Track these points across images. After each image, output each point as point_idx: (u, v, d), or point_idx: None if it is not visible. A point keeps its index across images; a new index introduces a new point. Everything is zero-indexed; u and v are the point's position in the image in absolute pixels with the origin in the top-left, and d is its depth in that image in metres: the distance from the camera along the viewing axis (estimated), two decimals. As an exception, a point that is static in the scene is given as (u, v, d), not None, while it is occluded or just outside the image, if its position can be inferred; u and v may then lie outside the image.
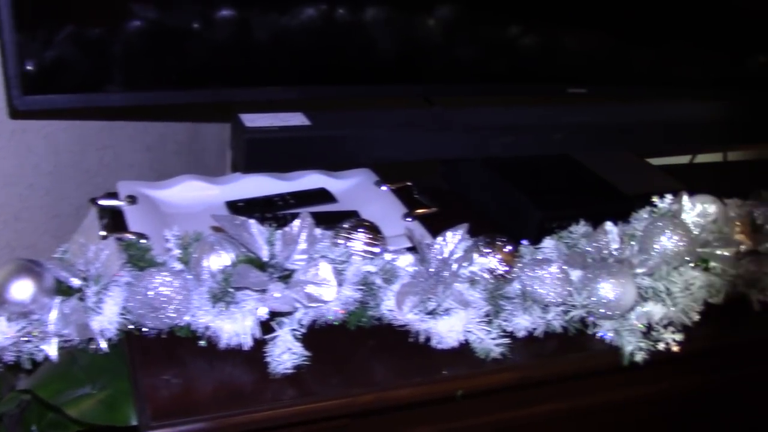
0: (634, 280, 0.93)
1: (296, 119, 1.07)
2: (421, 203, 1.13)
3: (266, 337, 0.81)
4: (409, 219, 1.08)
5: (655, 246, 0.96)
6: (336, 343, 0.86)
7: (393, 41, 1.08)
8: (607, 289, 0.89)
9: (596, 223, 0.99)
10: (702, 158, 1.56)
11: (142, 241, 0.88)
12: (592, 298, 0.90)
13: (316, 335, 0.84)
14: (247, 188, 1.11)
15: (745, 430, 1.26)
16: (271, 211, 1.06)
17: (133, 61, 0.95)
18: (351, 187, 1.17)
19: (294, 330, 0.82)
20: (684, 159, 1.55)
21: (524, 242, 0.97)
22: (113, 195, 1.04)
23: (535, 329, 0.91)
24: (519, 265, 0.90)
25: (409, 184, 1.17)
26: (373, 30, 1.05)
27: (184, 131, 1.33)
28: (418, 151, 1.13)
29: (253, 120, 1.04)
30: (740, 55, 1.33)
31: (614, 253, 0.96)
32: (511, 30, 1.15)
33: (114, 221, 1.01)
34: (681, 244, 0.96)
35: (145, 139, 1.26)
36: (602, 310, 0.90)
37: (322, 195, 1.13)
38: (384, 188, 1.16)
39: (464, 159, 1.21)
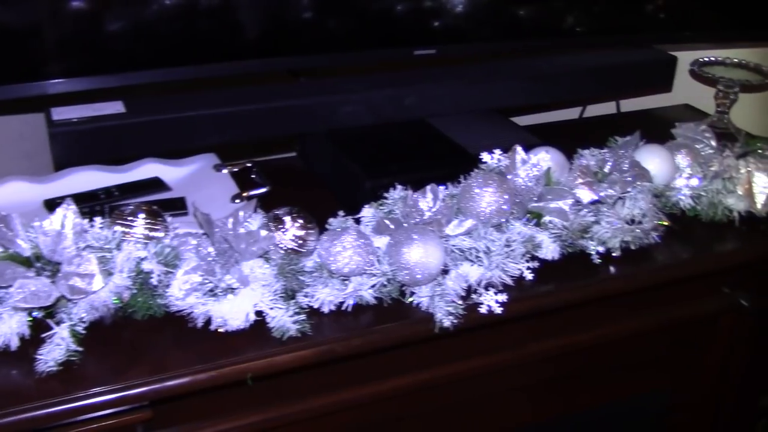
0: (445, 242, 0.88)
1: (112, 108, 1.03)
2: (255, 184, 1.08)
3: (44, 335, 0.78)
4: (237, 201, 1.03)
5: (471, 204, 0.91)
6: (124, 335, 0.82)
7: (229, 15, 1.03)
8: (412, 253, 0.84)
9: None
10: (597, 110, 1.50)
11: None
12: (397, 265, 0.85)
13: (103, 329, 0.80)
14: (75, 184, 1.07)
15: (593, 398, 1.20)
16: (95, 205, 1.02)
17: None
18: (189, 174, 1.12)
19: (73, 325, 0.78)
20: (575, 113, 1.49)
21: (341, 213, 0.92)
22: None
23: (342, 303, 0.86)
24: (312, 238, 0.85)
25: (248, 165, 1.12)
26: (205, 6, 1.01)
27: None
28: (252, 129, 1.09)
29: (62, 113, 1.00)
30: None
31: (429, 215, 0.90)
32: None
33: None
34: (499, 200, 0.90)
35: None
36: (407, 276, 0.85)
37: (154, 184, 1.08)
38: (225, 171, 1.12)
39: (310, 132, 1.16)
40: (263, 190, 1.06)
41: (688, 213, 1.07)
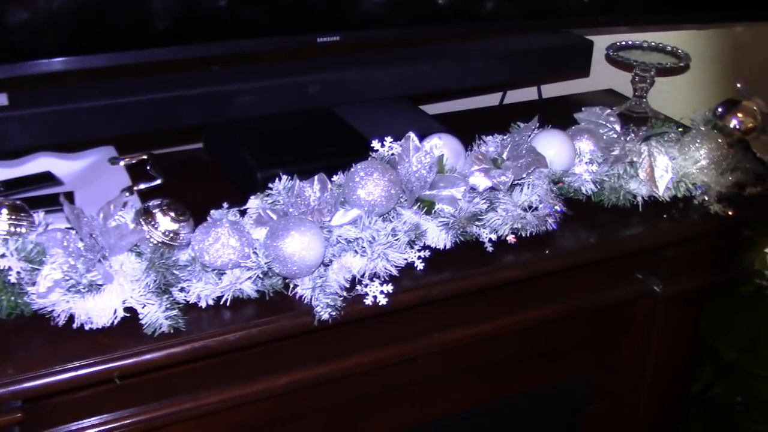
0: (328, 233, 0.86)
1: (-7, 101, 0.99)
2: (149, 176, 1.05)
3: None
4: (127, 194, 1.00)
5: (355, 193, 0.88)
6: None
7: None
8: (287, 245, 0.82)
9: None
10: (520, 96, 1.48)
11: None
12: (273, 257, 0.82)
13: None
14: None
15: (510, 387, 1.19)
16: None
17: None
18: (84, 167, 1.09)
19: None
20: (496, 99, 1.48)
21: (225, 205, 0.90)
22: None
23: (221, 297, 0.83)
24: (185, 231, 0.83)
25: (144, 157, 1.09)
26: None
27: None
28: (147, 121, 1.05)
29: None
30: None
31: (312, 205, 0.88)
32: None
33: None
34: (384, 189, 0.88)
35: None
36: (283, 269, 0.82)
37: (44, 178, 1.05)
38: (121, 164, 1.09)
39: (210, 123, 1.13)
40: (156, 182, 1.03)
41: (593, 198, 1.06)
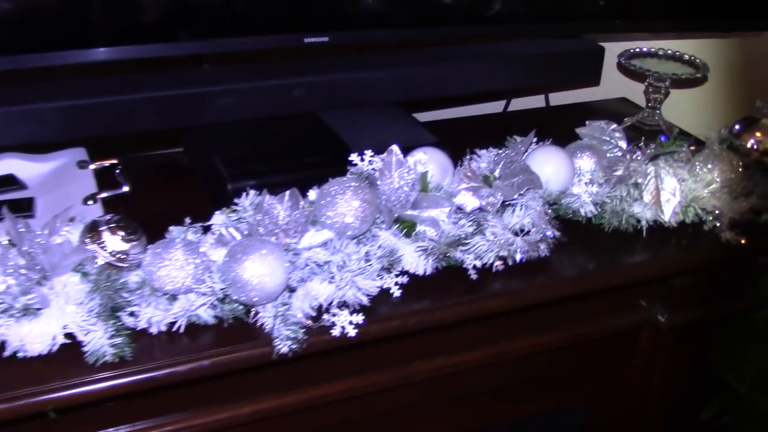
0: (294, 256, 0.79)
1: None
2: (116, 183, 0.99)
3: None
4: (90, 202, 0.94)
5: (326, 213, 0.81)
6: None
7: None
8: (245, 269, 0.75)
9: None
10: (527, 104, 1.40)
11: None
12: (230, 282, 0.75)
13: None
14: None
15: (505, 415, 1.12)
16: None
17: None
18: (51, 171, 1.03)
19: None
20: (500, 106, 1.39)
21: (187, 220, 0.83)
22: None
23: (174, 323, 0.77)
24: (136, 251, 0.76)
25: (114, 162, 1.03)
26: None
27: None
28: (117, 123, 0.99)
29: None
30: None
31: (281, 223, 0.81)
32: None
33: None
34: (359, 209, 0.81)
35: None
36: (241, 295, 0.75)
37: (6, 182, 0.99)
38: (91, 168, 1.02)
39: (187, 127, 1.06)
40: (121, 190, 0.97)
41: (594, 220, 0.98)
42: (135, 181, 1.00)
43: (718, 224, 0.98)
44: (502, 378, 1.07)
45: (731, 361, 1.30)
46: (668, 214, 0.95)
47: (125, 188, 0.96)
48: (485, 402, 1.10)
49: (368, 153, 0.87)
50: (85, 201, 0.94)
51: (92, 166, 1.02)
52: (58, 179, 1.01)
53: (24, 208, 0.93)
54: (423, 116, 1.26)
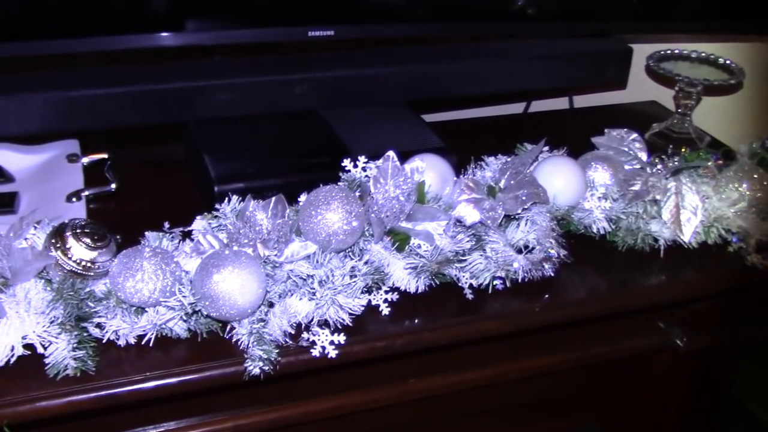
0: (274, 270, 0.73)
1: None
2: (104, 180, 0.94)
3: None
4: (74, 200, 0.90)
5: (310, 224, 0.75)
6: None
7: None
8: (218, 284, 0.69)
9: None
10: (550, 105, 1.32)
11: None
12: (200, 296, 0.70)
13: None
14: None
15: None
16: None
17: None
18: (40, 163, 0.99)
19: None
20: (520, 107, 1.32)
21: (166, 224, 0.78)
22: None
23: (144, 335, 0.72)
24: (103, 259, 0.71)
25: (104, 156, 0.98)
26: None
27: None
28: (106, 117, 0.94)
29: None
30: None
31: (264, 233, 0.76)
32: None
33: None
34: (344, 221, 0.75)
35: None
36: (212, 311, 0.70)
37: (-8, 174, 0.96)
38: (81, 162, 0.98)
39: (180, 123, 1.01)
40: (108, 188, 0.92)
41: (608, 237, 0.91)
42: (128, 176, 0.96)
43: (743, 246, 0.91)
44: (501, 399, 1.01)
45: (756, 388, 1.22)
46: (688, 234, 0.88)
47: (113, 186, 0.92)
48: (488, 422, 1.04)
49: (362, 159, 0.81)
50: (68, 198, 0.90)
51: (83, 160, 0.98)
52: (47, 173, 0.97)
53: (5, 203, 0.89)
54: (437, 117, 1.20)
